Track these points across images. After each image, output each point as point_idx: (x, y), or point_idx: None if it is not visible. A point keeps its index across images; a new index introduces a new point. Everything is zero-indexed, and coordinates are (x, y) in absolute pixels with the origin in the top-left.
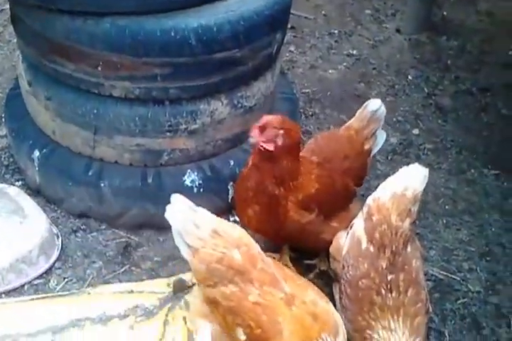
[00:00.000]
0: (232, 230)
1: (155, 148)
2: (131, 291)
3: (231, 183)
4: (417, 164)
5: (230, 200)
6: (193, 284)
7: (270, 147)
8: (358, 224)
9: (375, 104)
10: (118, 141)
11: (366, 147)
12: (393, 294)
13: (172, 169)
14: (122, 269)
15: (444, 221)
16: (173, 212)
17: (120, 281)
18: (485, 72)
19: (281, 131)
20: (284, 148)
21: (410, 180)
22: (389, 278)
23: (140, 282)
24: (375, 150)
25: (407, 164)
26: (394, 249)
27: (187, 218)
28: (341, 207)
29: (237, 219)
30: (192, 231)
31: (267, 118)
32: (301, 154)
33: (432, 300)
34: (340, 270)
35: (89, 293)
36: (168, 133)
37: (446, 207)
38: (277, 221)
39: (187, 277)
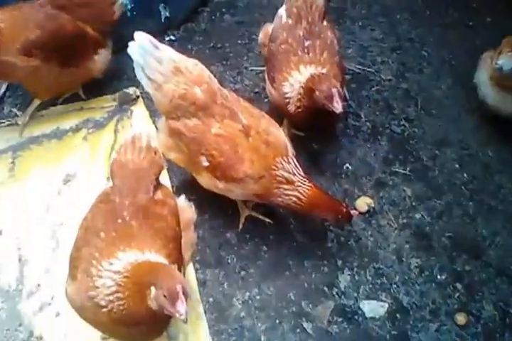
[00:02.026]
0: (193, 68)
1: None
2: (81, 108)
3: (162, 4)
4: None
5: (163, 21)
6: (137, 96)
7: None
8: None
9: None
10: None
11: None
12: (310, 55)
13: None
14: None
15: (360, 23)
16: (136, 47)
17: (69, 102)
18: None
19: None
20: None
21: None
22: (306, 43)
23: (88, 100)
24: None
25: None
26: (310, 20)
27: (149, 53)
28: (78, 51)
29: (173, 38)
30: (154, 66)
31: None
32: None
33: (350, 90)
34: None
35: (42, 116)
36: None
37: (363, 11)
38: None
39: (131, 91)
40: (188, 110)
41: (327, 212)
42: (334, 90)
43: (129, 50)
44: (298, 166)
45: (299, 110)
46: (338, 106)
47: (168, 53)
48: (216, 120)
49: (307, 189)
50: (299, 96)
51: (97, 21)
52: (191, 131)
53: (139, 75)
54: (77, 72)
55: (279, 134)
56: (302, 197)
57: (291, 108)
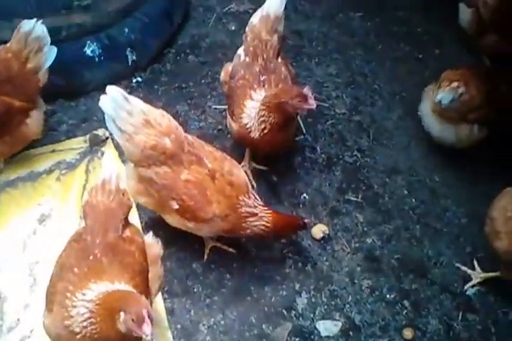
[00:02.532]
0: (162, 119)
1: (53, 26)
2: (53, 150)
3: (129, 49)
4: None
5: (130, 64)
6: (107, 138)
7: None
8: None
9: (27, 25)
10: (18, 23)
11: (30, 66)
12: (265, 87)
13: (73, 43)
14: (42, 134)
15: (317, 60)
16: (107, 100)
17: (42, 144)
18: None
19: None
20: None
21: (271, 6)
22: (262, 78)
23: (60, 142)
24: (46, 65)
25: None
26: (265, 57)
27: (120, 106)
28: (7, 122)
29: (140, 79)
30: (125, 118)
31: None
32: None
33: (306, 124)
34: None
35: (17, 160)
36: (63, 11)
37: (319, 48)
38: None
39: (100, 132)
40: (159, 159)
41: (289, 230)
42: (305, 89)
43: (101, 103)
44: (257, 197)
45: (265, 132)
46: (313, 102)
47: (138, 106)
48: (184, 166)
49: (269, 216)
50: (262, 119)
51: (22, 93)
52: (162, 179)
53: (110, 127)
54: (12, 139)
55: (240, 174)
56: (267, 224)
57: (255, 134)
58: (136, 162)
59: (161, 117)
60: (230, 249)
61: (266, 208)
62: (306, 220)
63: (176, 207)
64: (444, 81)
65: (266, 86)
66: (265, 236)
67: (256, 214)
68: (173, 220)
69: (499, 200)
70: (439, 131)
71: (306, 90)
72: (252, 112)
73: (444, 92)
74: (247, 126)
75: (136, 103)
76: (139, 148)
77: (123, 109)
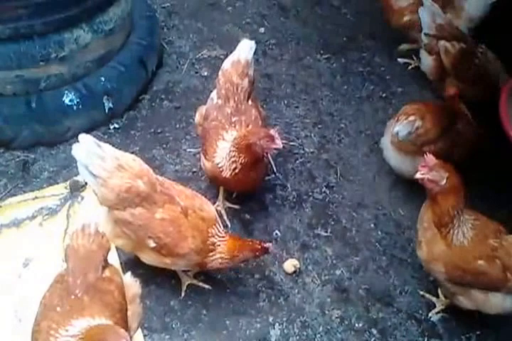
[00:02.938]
0: (133, 163)
1: (33, 77)
2: (36, 197)
3: (105, 97)
4: (245, 39)
5: (107, 111)
6: (86, 183)
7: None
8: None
9: None
10: None
11: None
12: (236, 127)
13: (51, 93)
14: (24, 182)
15: (286, 101)
16: (80, 148)
17: (24, 192)
18: None
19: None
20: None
21: (242, 51)
22: (233, 119)
23: (41, 189)
24: None
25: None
26: (236, 99)
27: (93, 153)
28: None
29: (117, 126)
30: (98, 164)
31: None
32: None
33: (277, 164)
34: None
35: (0, 206)
36: (41, 63)
37: (287, 90)
38: None
39: (80, 178)
40: (133, 201)
41: (248, 253)
42: (272, 131)
43: (74, 152)
44: (220, 230)
45: (236, 172)
46: (279, 142)
47: (110, 151)
48: (158, 206)
49: (225, 242)
50: (233, 159)
51: None
52: (138, 219)
53: (84, 174)
54: None
55: (210, 209)
56: (223, 250)
57: (227, 174)
58: (111, 206)
59: (133, 161)
60: (206, 286)
61: (223, 235)
62: (265, 245)
63: (153, 245)
64: (402, 115)
65: (237, 127)
66: (229, 262)
67: (214, 243)
68: (150, 258)
69: (420, 212)
70: (398, 163)
71: (273, 131)
72: (223, 152)
73: (401, 125)
74: (219, 165)
75: (108, 149)
76: (115, 192)
77: (96, 156)
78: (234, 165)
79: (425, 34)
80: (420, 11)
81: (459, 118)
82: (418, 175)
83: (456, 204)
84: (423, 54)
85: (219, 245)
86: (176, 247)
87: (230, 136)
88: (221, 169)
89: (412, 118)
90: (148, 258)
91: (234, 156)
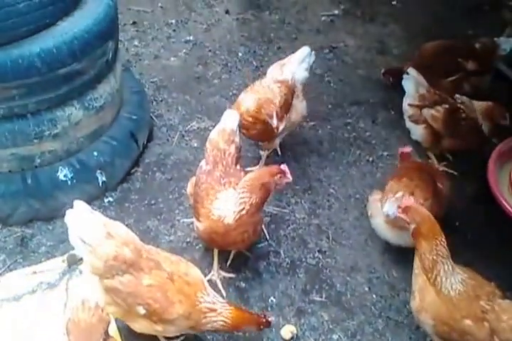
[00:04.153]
0: (121, 231)
1: (27, 154)
2: (35, 272)
3: (99, 171)
4: (228, 109)
5: (100, 185)
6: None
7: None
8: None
9: None
10: None
11: None
12: (226, 187)
13: (46, 169)
14: (23, 257)
15: None
16: (72, 215)
17: (23, 266)
18: (302, 39)
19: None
20: None
21: (227, 121)
22: (223, 181)
23: (40, 264)
24: None
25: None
26: (225, 164)
27: (85, 220)
28: None
29: (111, 199)
30: (89, 232)
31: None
32: None
33: (269, 231)
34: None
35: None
36: (35, 140)
37: (276, 157)
38: None
39: (77, 252)
40: (121, 268)
41: (251, 326)
42: (282, 166)
43: (66, 219)
44: (216, 295)
45: (242, 213)
46: (290, 176)
47: (101, 219)
48: (145, 272)
49: (229, 312)
50: (242, 200)
51: None
52: (126, 287)
53: (74, 241)
54: None
55: (196, 273)
56: (227, 320)
57: (230, 219)
58: (100, 274)
59: (119, 228)
60: None
61: (226, 303)
62: (269, 318)
63: (143, 312)
64: (388, 192)
65: (227, 186)
66: (228, 331)
67: (215, 310)
68: (142, 326)
69: None
70: (396, 239)
71: (283, 167)
72: (225, 203)
73: (389, 204)
74: (221, 215)
75: (99, 216)
76: (103, 260)
77: (87, 222)
78: (242, 207)
79: (409, 105)
80: (404, 81)
81: (437, 178)
82: (390, 211)
83: (431, 250)
84: (410, 125)
85: (220, 313)
86: (165, 313)
87: (223, 194)
88: (222, 218)
89: (399, 194)
90: (140, 327)
91: (243, 198)
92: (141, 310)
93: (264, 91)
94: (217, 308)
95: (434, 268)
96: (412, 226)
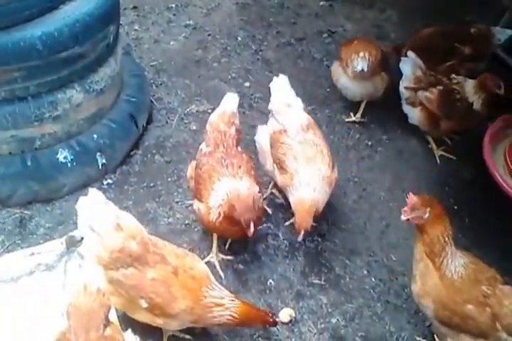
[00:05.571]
0: (130, 223)
1: (28, 136)
2: (33, 253)
3: (98, 153)
4: (228, 93)
5: (100, 167)
6: (82, 238)
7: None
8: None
9: None
10: None
11: None
12: (229, 169)
13: (46, 151)
14: (21, 238)
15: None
16: (86, 204)
17: (21, 248)
18: (301, 24)
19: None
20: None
21: (226, 103)
22: (224, 163)
23: (38, 245)
24: None
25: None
26: (226, 145)
27: (98, 210)
28: None
29: (111, 181)
30: (100, 222)
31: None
32: None
33: (267, 214)
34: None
35: None
36: (36, 123)
37: None
38: None
39: (76, 233)
40: (125, 261)
41: (257, 323)
42: (251, 227)
43: (78, 205)
44: (222, 288)
45: (219, 220)
46: (251, 232)
47: (114, 211)
48: (150, 266)
49: (237, 307)
50: (219, 209)
51: None
52: (130, 279)
53: (83, 228)
54: None
55: (202, 267)
56: (234, 314)
57: (213, 218)
58: (104, 265)
59: (130, 221)
60: (187, 336)
61: (233, 298)
62: (276, 318)
63: (146, 305)
64: (347, 54)
65: (229, 168)
66: (233, 326)
67: (223, 305)
68: (143, 318)
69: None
70: (359, 89)
71: (252, 227)
72: (218, 194)
73: (357, 61)
74: (211, 207)
75: (112, 207)
76: (109, 251)
77: (101, 213)
78: (218, 214)
79: (405, 88)
80: (402, 64)
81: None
82: (403, 218)
83: (445, 230)
84: (407, 108)
85: (228, 308)
86: (167, 307)
87: (224, 176)
88: (210, 211)
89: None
90: (140, 317)
91: (220, 207)
92: (143, 304)
93: None
94: (225, 303)
95: (443, 251)
96: (426, 216)
